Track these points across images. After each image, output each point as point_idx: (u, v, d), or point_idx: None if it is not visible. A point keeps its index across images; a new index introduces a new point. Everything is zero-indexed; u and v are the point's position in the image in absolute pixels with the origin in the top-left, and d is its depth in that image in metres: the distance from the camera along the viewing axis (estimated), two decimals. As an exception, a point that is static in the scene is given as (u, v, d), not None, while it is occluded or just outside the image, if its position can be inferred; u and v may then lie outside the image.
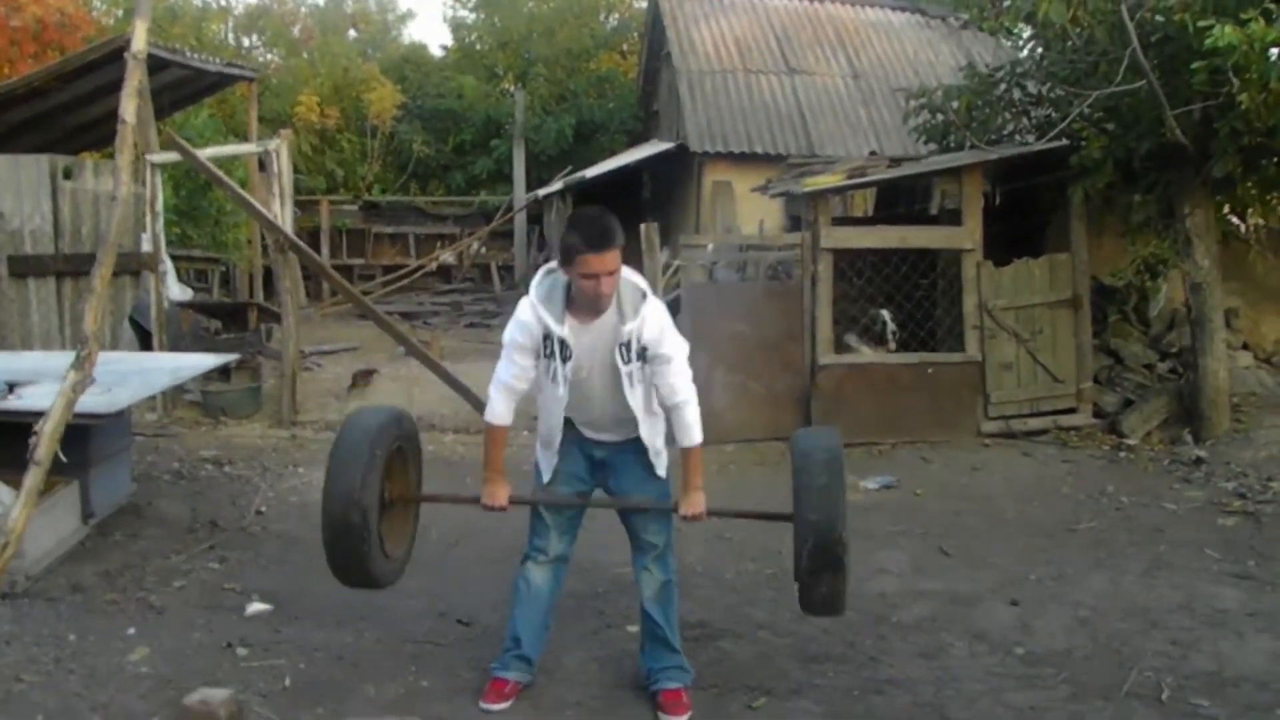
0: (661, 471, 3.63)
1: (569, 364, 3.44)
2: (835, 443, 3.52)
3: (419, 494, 3.93)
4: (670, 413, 3.56)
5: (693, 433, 3.54)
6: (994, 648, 4.22)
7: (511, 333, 3.50)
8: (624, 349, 3.43)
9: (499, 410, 3.59)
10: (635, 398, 3.49)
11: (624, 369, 3.44)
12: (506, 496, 3.63)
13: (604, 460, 3.63)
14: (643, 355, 3.45)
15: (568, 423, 3.61)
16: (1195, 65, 6.39)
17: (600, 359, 3.45)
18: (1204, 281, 7.66)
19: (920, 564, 5.28)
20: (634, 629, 3.92)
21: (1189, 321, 7.91)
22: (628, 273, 3.45)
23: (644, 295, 3.44)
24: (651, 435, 3.58)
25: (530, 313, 3.44)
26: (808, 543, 3.30)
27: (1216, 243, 7.83)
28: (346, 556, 3.52)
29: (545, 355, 3.47)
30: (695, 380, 3.60)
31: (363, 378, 9.56)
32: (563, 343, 3.42)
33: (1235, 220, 8.68)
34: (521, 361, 3.50)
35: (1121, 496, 6.43)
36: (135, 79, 4.34)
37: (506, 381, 3.54)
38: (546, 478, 3.66)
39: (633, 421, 3.54)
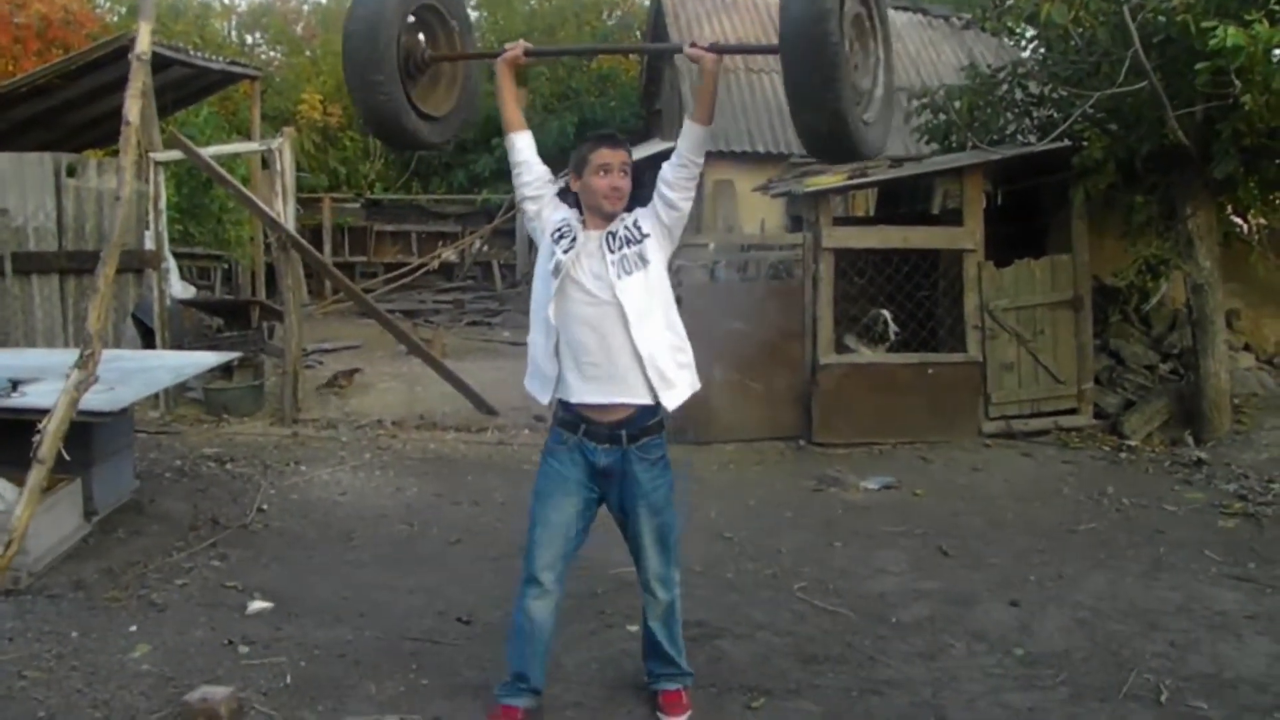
0: (668, 401, 3.40)
1: (570, 252, 3.35)
2: None
3: (449, 53, 3.90)
4: (682, 141, 3.38)
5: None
6: (993, 648, 4.23)
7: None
8: (610, 239, 3.37)
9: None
10: (628, 291, 3.31)
11: (610, 258, 3.34)
12: (524, 49, 3.61)
13: (606, 468, 3.43)
14: (636, 236, 3.37)
15: (565, 409, 3.44)
16: (1198, 66, 6.38)
17: (596, 271, 3.36)
18: (1205, 282, 7.66)
19: (920, 564, 5.28)
20: (634, 628, 3.93)
21: (1190, 323, 7.90)
22: None
23: None
24: (654, 359, 3.35)
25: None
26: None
27: (1218, 244, 7.82)
28: (380, 111, 3.64)
29: (553, 239, 3.42)
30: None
31: (344, 377, 9.46)
32: (571, 232, 3.41)
33: (1237, 221, 8.68)
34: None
35: (1122, 498, 6.44)
36: (139, 80, 4.36)
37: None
38: (545, 399, 3.47)
39: (630, 352, 3.32)
